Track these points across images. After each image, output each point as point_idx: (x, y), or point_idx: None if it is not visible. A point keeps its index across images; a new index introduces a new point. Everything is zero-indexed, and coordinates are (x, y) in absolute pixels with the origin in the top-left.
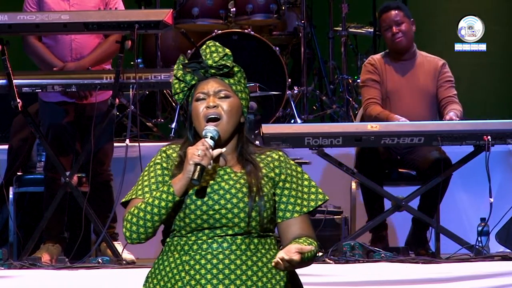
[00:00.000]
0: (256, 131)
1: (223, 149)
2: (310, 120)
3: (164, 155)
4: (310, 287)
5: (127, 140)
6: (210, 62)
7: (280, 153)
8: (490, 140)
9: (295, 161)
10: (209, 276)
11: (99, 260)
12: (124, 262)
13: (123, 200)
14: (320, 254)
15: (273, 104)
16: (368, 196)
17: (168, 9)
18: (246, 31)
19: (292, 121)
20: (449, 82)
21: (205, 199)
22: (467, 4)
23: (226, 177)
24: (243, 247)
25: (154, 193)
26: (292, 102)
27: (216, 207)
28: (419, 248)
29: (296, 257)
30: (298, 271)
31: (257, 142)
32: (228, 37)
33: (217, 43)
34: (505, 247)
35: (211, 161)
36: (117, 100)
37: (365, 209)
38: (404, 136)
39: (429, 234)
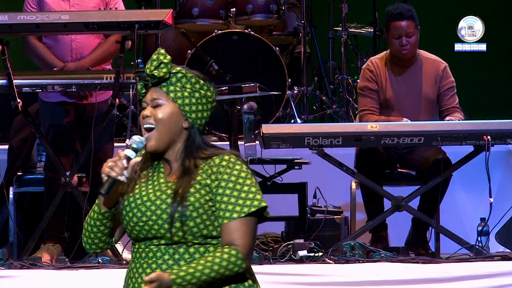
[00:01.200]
0: (256, 131)
1: (138, 159)
2: (310, 120)
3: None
4: (310, 287)
5: (127, 140)
6: (148, 71)
7: (226, 157)
8: (490, 140)
9: (295, 161)
10: (143, 285)
11: (99, 260)
12: (124, 262)
13: None
14: (320, 254)
15: (273, 104)
16: (367, 196)
17: (168, 9)
18: (246, 31)
19: (292, 121)
20: (451, 89)
21: (135, 210)
22: (467, 4)
23: (157, 187)
24: (176, 256)
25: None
26: (292, 102)
27: (144, 218)
28: (419, 248)
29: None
30: (297, 270)
31: (257, 142)
32: (228, 37)
33: (161, 51)
34: (505, 247)
35: (125, 172)
36: (117, 100)
37: (365, 209)
38: (404, 136)
39: (429, 234)
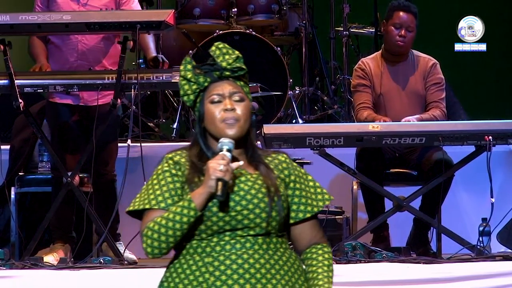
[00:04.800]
0: (258, 131)
1: (241, 163)
2: (311, 120)
3: (171, 162)
4: None
5: (129, 141)
6: (224, 64)
7: (285, 155)
8: (491, 140)
9: (296, 161)
10: (235, 276)
11: (101, 260)
12: (125, 262)
13: (130, 209)
14: None
15: (275, 104)
16: (368, 196)
17: (170, 9)
18: (247, 31)
19: (294, 121)
20: (436, 85)
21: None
22: (467, 4)
23: (243, 178)
24: (264, 246)
25: (174, 208)
26: (293, 102)
27: (238, 208)
28: (420, 248)
29: None
30: None
31: (258, 143)
32: (229, 38)
33: (226, 45)
34: (507, 247)
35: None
36: (119, 101)
37: (366, 210)
38: (405, 136)
39: (430, 234)
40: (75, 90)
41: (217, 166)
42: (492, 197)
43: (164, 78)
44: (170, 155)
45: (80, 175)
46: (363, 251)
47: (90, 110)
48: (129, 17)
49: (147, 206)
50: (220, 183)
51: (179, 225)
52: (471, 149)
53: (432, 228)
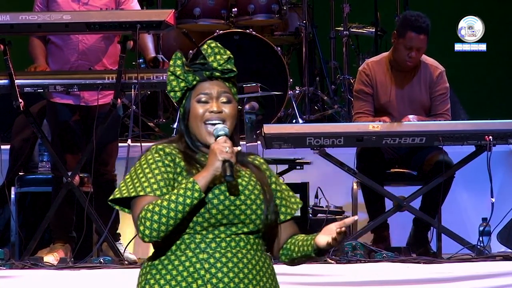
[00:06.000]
0: (258, 131)
1: (239, 148)
2: (311, 120)
3: (161, 152)
4: (311, 287)
5: (129, 140)
6: (215, 64)
7: (262, 158)
8: (491, 140)
9: (297, 161)
10: (231, 274)
11: (101, 260)
12: (126, 262)
13: (116, 196)
14: None
15: (275, 104)
16: (369, 196)
17: (170, 9)
18: (247, 31)
19: (294, 121)
20: (443, 95)
21: (227, 193)
22: (467, 4)
23: (239, 174)
24: (254, 247)
25: (176, 190)
26: (293, 102)
27: (237, 202)
28: (420, 248)
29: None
30: (298, 270)
31: (258, 143)
32: (229, 37)
33: (218, 44)
34: (507, 247)
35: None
36: (119, 100)
37: (366, 209)
38: (405, 136)
39: (430, 234)
40: (75, 90)
41: (223, 148)
42: (492, 197)
43: (164, 78)
44: (160, 146)
45: (80, 175)
46: (363, 251)
47: (91, 110)
48: (129, 17)
49: (141, 193)
50: (227, 164)
51: (181, 206)
52: (471, 149)
53: (432, 228)
